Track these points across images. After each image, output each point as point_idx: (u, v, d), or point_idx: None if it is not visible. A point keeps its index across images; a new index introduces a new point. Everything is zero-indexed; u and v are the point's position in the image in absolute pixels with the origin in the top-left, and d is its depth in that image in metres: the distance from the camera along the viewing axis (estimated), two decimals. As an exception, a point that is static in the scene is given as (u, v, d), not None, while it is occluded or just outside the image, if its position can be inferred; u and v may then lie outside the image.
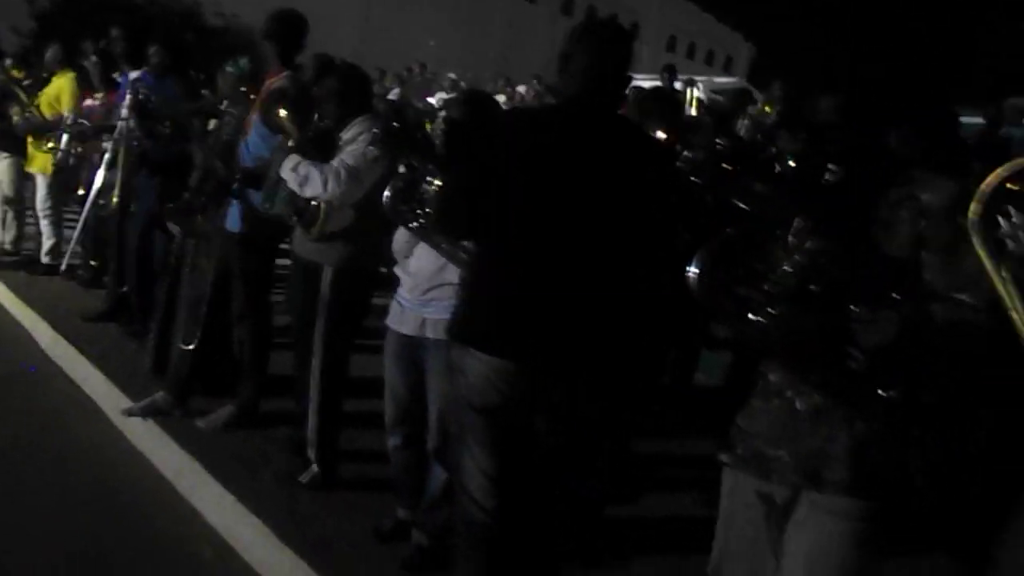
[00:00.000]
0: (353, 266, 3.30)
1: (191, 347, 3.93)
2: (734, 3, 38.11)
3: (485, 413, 2.18)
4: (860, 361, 1.59)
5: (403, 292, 2.93)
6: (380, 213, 2.84)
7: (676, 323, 2.58)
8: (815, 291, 1.64)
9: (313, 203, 3.24)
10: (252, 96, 3.80)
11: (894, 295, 1.62)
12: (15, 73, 6.40)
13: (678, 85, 10.30)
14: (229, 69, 3.91)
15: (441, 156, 2.66)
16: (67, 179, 6.03)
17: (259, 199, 3.57)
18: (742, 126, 8.31)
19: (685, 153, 2.27)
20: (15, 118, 5.98)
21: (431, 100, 12.70)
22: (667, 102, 3.88)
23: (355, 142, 3.24)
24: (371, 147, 3.04)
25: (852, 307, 1.61)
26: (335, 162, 3.19)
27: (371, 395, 4.19)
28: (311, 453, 3.40)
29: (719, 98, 11.63)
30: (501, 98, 12.34)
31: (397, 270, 2.99)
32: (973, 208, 1.37)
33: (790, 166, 1.89)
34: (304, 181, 3.18)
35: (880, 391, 1.62)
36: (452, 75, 13.90)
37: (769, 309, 1.63)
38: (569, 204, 2.13)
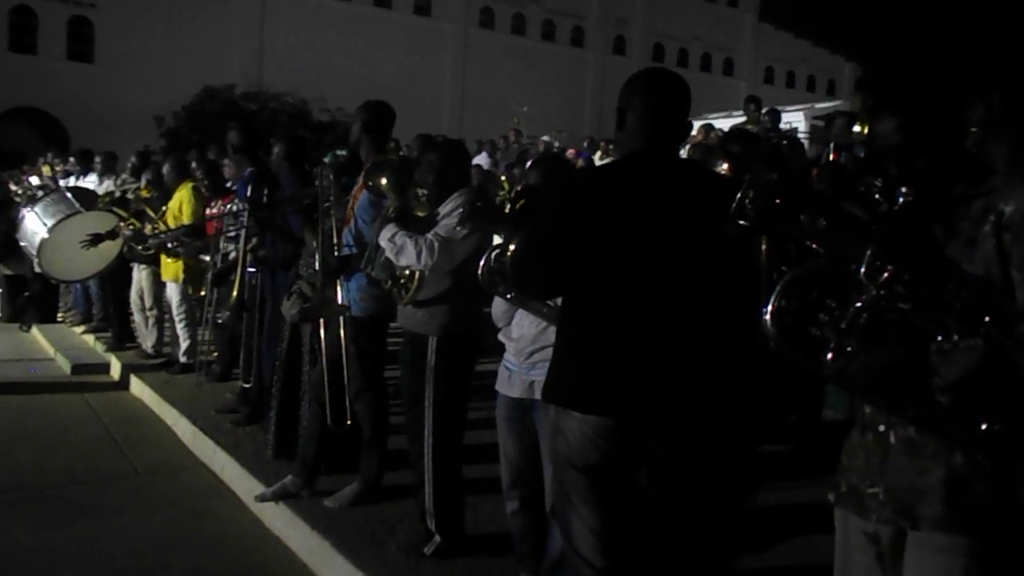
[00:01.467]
0: (456, 333, 3.40)
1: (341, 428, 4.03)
2: (828, 27, 37.26)
3: (586, 471, 2.17)
4: (945, 395, 1.52)
5: (509, 356, 3.02)
6: (477, 282, 2.94)
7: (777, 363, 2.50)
8: (894, 324, 1.59)
9: (407, 271, 3.39)
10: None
11: (985, 319, 1.55)
12: (145, 193, 6.97)
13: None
14: (327, 160, 4.15)
15: (520, 223, 2.73)
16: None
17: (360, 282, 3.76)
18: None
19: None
20: (149, 238, 6.48)
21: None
22: (742, 141, 3.85)
23: (450, 216, 3.38)
24: (458, 225, 3.17)
25: (937, 337, 1.55)
26: (430, 235, 3.32)
27: (491, 460, 4.30)
28: (431, 523, 3.46)
29: (821, 123, 11.36)
30: (597, 154, 12.48)
31: (501, 336, 3.08)
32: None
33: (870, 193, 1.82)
34: (400, 251, 3.33)
35: (979, 423, 1.54)
36: (546, 138, 14.16)
37: (844, 347, 1.59)
38: (646, 257, 2.13)
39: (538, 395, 2.77)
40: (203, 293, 6.12)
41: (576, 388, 2.20)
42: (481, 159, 12.94)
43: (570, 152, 13.08)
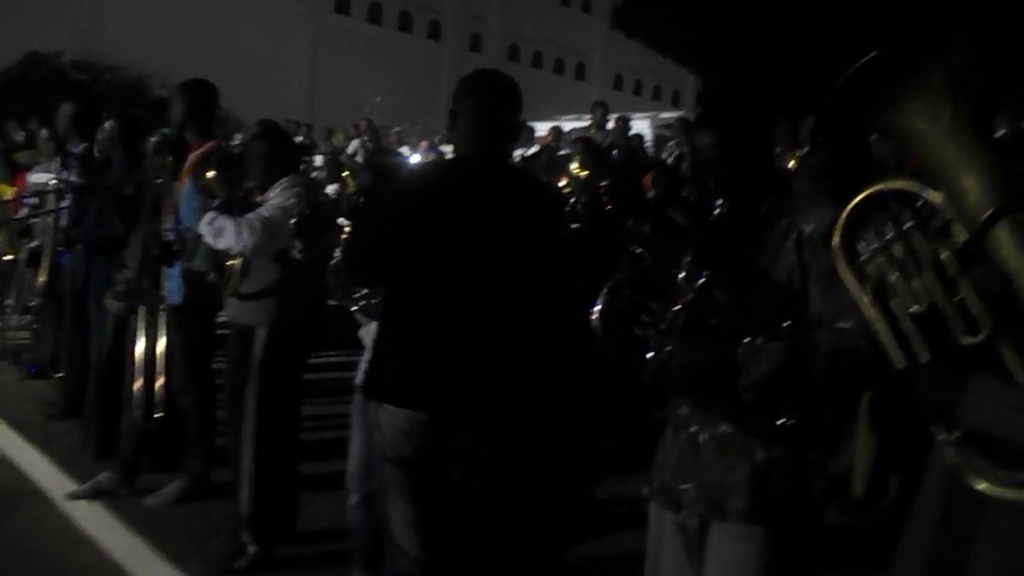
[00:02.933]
0: (286, 324, 3.29)
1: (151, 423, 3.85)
2: (675, 40, 39.04)
3: (399, 464, 2.24)
4: (749, 392, 1.64)
5: (366, 353, 2.98)
6: (314, 270, 2.88)
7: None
8: (709, 326, 1.69)
9: (232, 261, 3.25)
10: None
11: (785, 325, 1.68)
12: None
13: (611, 123, 10.47)
14: (153, 140, 3.93)
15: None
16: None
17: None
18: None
19: (571, 200, 2.34)
20: None
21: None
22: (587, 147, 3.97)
23: (278, 197, 3.29)
24: (293, 243, 3.10)
25: (745, 339, 1.66)
26: (251, 215, 3.21)
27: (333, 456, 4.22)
28: (245, 533, 3.30)
29: (667, 132, 11.88)
30: (447, 148, 12.51)
31: (360, 333, 3.04)
32: (835, 236, 1.43)
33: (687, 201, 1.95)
34: (219, 233, 3.21)
35: (777, 419, 1.66)
36: (397, 129, 14.06)
37: (664, 347, 1.68)
38: (461, 257, 2.20)
39: None
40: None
41: (390, 383, 2.26)
42: (355, 145, 12.71)
43: (422, 144, 13.04)
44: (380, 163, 3.15)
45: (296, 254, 3.10)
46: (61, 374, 5.11)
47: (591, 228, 1.76)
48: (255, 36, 30.49)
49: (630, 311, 1.74)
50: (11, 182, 5.90)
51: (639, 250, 1.84)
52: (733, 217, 1.78)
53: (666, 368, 1.68)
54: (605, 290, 1.76)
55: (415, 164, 6.05)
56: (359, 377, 3.01)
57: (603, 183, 2.49)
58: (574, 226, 1.72)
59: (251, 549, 3.28)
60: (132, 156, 4.74)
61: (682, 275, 1.69)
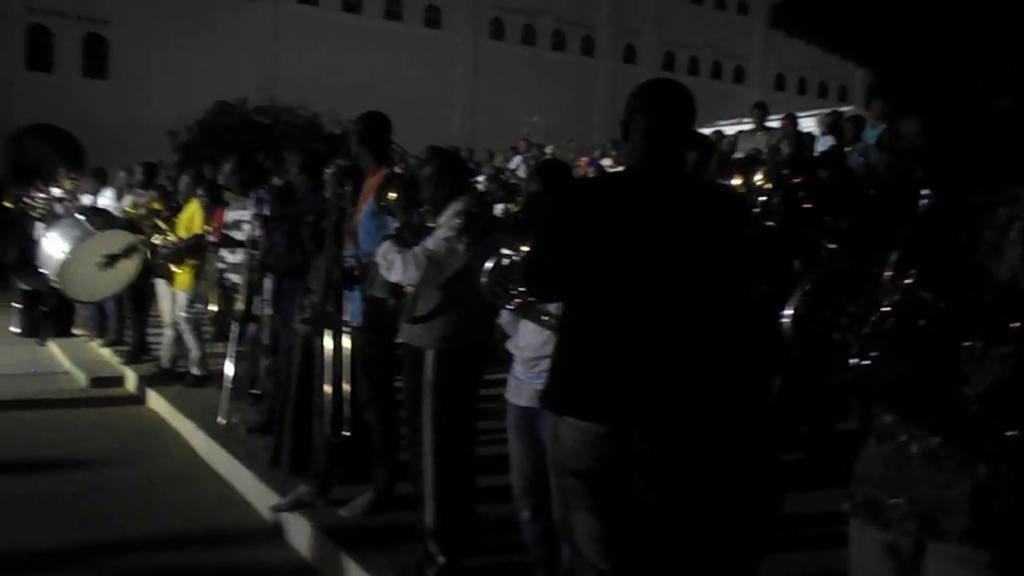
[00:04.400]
0: (454, 346, 3.36)
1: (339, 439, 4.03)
2: (839, 33, 37.16)
3: (583, 477, 2.20)
4: (974, 402, 1.49)
5: (516, 365, 3.01)
6: (477, 291, 2.90)
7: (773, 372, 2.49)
8: (919, 330, 1.55)
9: (408, 287, 3.37)
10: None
11: (1011, 326, 1.51)
12: (155, 206, 7.02)
13: (774, 123, 10.06)
14: (329, 171, 4.15)
15: (525, 231, 2.73)
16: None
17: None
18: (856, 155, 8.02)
19: (760, 197, 2.24)
20: (159, 247, 6.54)
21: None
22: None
23: (444, 227, 3.35)
24: (457, 237, 3.15)
25: (963, 344, 1.51)
26: (417, 248, 3.29)
27: (504, 471, 4.28)
28: (431, 545, 3.39)
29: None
30: (607, 161, 12.47)
31: (509, 345, 3.07)
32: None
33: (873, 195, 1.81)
34: (389, 266, 3.32)
35: (1004, 432, 1.50)
36: (549, 148, 14.18)
37: (869, 352, 1.55)
38: (641, 267, 2.15)
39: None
40: (214, 307, 6.15)
41: (570, 395, 2.23)
42: (516, 161, 13.02)
43: (582, 160, 13.08)
44: (549, 170, 3.12)
45: (461, 248, 3.16)
46: (258, 392, 5.48)
47: (786, 225, 1.66)
48: (417, 69, 31.88)
49: (826, 314, 1.63)
50: (210, 219, 6.42)
51: (834, 247, 1.73)
52: (943, 208, 1.63)
53: (870, 376, 1.56)
54: (798, 292, 1.66)
55: (586, 175, 6.03)
56: (508, 392, 3.05)
57: (796, 179, 2.39)
58: (768, 223, 1.63)
59: (440, 560, 3.37)
60: (318, 186, 5.06)
61: (888, 274, 1.56)
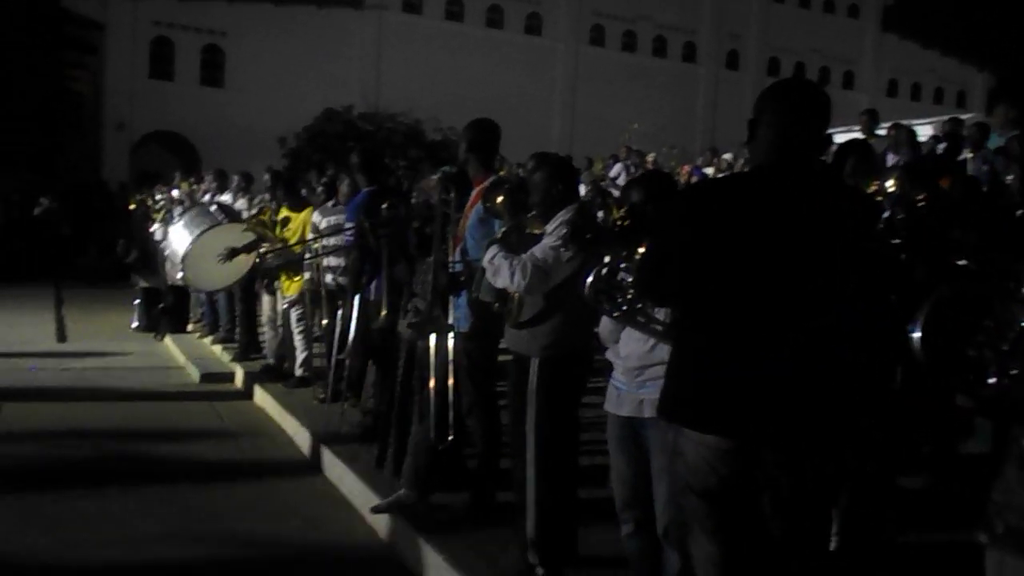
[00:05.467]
0: (559, 354, 3.34)
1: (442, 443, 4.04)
2: (958, 35, 35.40)
3: (705, 497, 2.10)
4: None
5: (617, 375, 2.96)
6: (584, 301, 2.85)
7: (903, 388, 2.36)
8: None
9: (514, 293, 3.37)
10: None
11: None
12: (263, 217, 7.27)
13: (882, 131, 9.67)
14: (435, 178, 4.20)
15: (629, 239, 2.68)
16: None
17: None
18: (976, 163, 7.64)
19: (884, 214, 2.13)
20: (268, 257, 6.77)
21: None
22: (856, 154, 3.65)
23: (551, 235, 3.33)
24: (562, 247, 3.13)
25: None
26: (526, 255, 3.28)
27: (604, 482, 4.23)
28: (532, 555, 3.36)
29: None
30: (710, 170, 12.23)
31: (609, 355, 3.02)
32: None
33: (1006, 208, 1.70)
34: (496, 272, 3.32)
35: None
36: (651, 156, 14.01)
37: (1008, 370, 1.46)
38: (768, 273, 2.05)
39: (647, 413, 2.73)
40: (321, 320, 6.33)
41: (694, 405, 2.13)
42: (617, 168, 12.97)
43: (684, 168, 12.88)
44: (651, 180, 3.07)
45: (564, 256, 3.14)
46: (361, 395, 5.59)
47: (912, 241, 1.57)
48: (517, 76, 32.10)
49: (958, 330, 1.54)
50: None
51: (964, 262, 1.63)
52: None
53: (1009, 395, 1.46)
54: (927, 306, 1.57)
55: (699, 180, 5.90)
56: (608, 403, 2.98)
57: (920, 196, 2.27)
58: (895, 241, 1.55)
59: (539, 571, 3.34)
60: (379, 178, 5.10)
61: (1025, 289, 1.46)
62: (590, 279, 2.75)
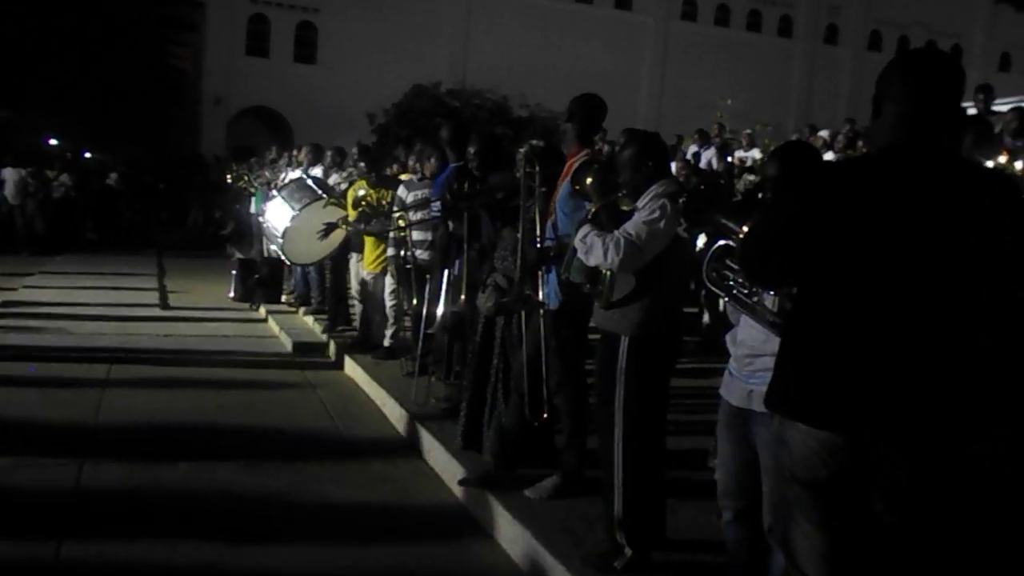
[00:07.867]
0: (649, 333, 3.29)
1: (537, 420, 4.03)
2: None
3: (812, 488, 2.01)
4: None
5: (732, 361, 2.89)
6: (677, 280, 2.79)
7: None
8: None
9: (606, 272, 3.32)
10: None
11: None
12: (370, 197, 7.28)
13: (1003, 108, 9.10)
14: (523, 151, 4.14)
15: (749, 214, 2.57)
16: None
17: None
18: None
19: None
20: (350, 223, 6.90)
21: (733, 159, 12.54)
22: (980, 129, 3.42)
23: (643, 211, 3.27)
24: (665, 219, 3.04)
25: None
26: (618, 231, 3.23)
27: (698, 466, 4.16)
28: (619, 536, 3.33)
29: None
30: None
31: (727, 338, 2.94)
32: None
33: None
34: (589, 250, 3.28)
35: None
36: (748, 131, 13.63)
37: None
38: (892, 260, 1.93)
39: (755, 405, 2.65)
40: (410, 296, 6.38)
41: (803, 398, 2.04)
42: (709, 153, 12.67)
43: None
44: (789, 152, 2.93)
45: (681, 232, 3.09)
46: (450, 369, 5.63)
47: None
48: (606, 52, 31.71)
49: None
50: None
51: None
52: None
53: None
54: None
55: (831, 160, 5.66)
56: (722, 387, 2.90)
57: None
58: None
59: (627, 552, 3.31)
60: (494, 167, 5.09)
61: None
62: (707, 257, 2.66)
